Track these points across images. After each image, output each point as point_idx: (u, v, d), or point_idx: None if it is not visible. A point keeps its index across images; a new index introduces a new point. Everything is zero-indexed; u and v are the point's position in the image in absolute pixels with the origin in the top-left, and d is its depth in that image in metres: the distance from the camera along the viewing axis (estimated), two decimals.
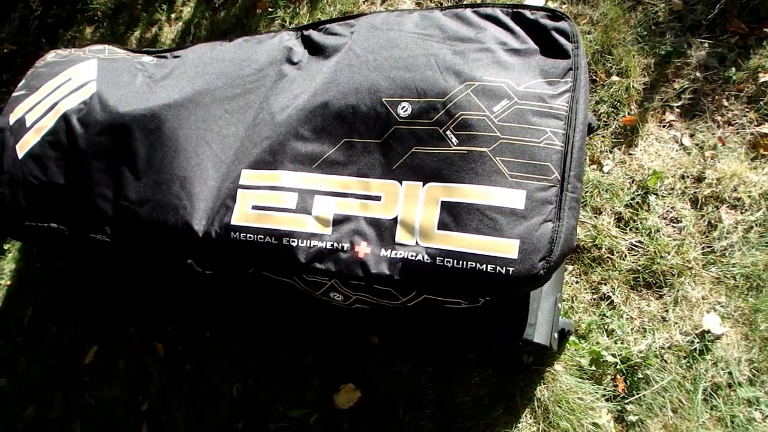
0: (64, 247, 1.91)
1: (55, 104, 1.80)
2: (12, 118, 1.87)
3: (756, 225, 1.45)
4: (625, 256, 1.55)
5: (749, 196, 1.48)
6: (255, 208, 1.38)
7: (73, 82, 1.82)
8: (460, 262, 1.15)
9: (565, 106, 1.19)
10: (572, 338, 1.51)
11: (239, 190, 1.41)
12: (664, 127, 1.65)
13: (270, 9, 2.30)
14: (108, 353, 2.15)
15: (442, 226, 1.19)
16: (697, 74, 1.65)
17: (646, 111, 1.67)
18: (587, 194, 1.63)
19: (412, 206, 1.24)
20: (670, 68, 1.68)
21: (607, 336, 1.49)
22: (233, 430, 1.79)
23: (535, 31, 1.28)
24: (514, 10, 1.32)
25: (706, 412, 1.34)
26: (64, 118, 1.73)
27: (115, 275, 2.11)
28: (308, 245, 1.30)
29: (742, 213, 1.47)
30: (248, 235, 1.35)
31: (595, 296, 1.55)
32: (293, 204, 1.35)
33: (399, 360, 1.65)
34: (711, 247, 1.48)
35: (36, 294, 2.49)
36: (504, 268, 1.11)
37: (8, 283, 2.64)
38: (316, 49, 1.58)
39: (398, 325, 1.65)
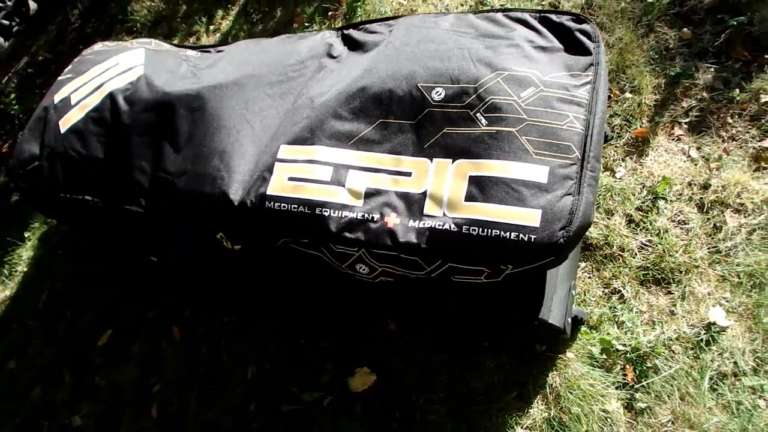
0: (92, 222, 1.98)
1: (102, 84, 1.93)
2: (57, 98, 2.00)
3: (759, 228, 1.54)
4: (635, 254, 1.63)
5: (752, 202, 1.57)
6: (291, 179, 1.47)
7: (120, 66, 1.96)
8: (485, 230, 1.22)
9: (587, 95, 1.30)
10: (584, 328, 1.57)
11: (277, 164, 1.50)
12: (673, 140, 1.76)
13: (306, 24, 2.47)
14: (122, 336, 2.19)
15: (469, 198, 1.28)
16: (704, 94, 1.78)
17: (656, 125, 1.79)
18: (600, 197, 1.73)
19: (441, 181, 1.33)
20: (679, 88, 1.82)
21: (617, 327, 1.56)
22: (246, 411, 1.81)
23: (560, 32, 1.41)
24: (541, 14, 1.46)
25: (713, 399, 1.39)
26: (110, 96, 1.85)
27: (139, 253, 2.17)
28: (339, 215, 1.38)
29: (745, 217, 1.57)
30: (282, 205, 1.44)
31: (606, 290, 1.62)
32: (328, 177, 1.44)
33: (415, 346, 1.70)
34: (716, 247, 1.56)
35: (54, 281, 2.55)
36: (527, 235, 1.19)
37: (25, 269, 2.70)
38: (355, 45, 1.72)
39: (416, 310, 1.71)
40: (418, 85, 1.44)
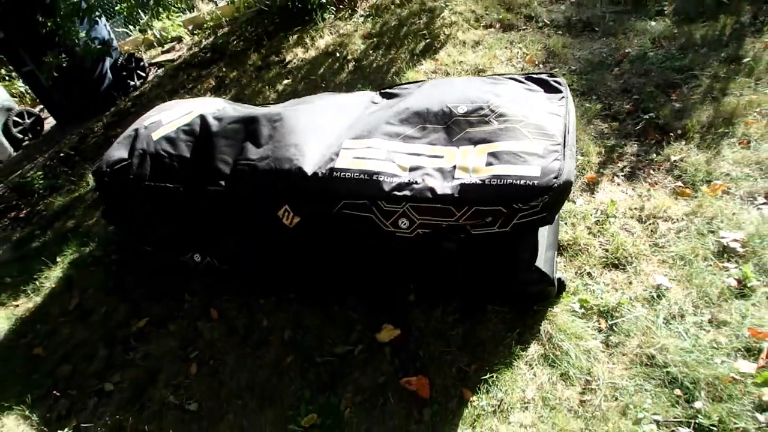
0: (166, 206, 2.38)
1: (191, 111, 2.53)
2: (146, 122, 2.59)
3: (682, 229, 2.16)
4: (597, 249, 2.19)
5: (675, 215, 2.22)
6: (354, 158, 2.03)
7: (205, 103, 2.61)
8: (502, 180, 1.80)
9: (562, 110, 2.00)
10: (564, 294, 2.04)
11: (342, 150, 2.08)
12: (614, 184, 2.46)
13: None
14: (158, 322, 2.43)
15: (488, 164, 1.87)
16: (632, 158, 2.54)
17: (602, 175, 2.50)
18: (566, 215, 2.34)
19: (467, 158, 1.93)
20: (615, 154, 2.58)
21: (590, 294, 2.04)
22: (283, 364, 2.07)
23: (539, 83, 2.18)
24: (526, 75, 2.24)
25: (667, 331, 1.85)
26: (201, 116, 2.45)
27: (184, 250, 2.52)
28: (391, 180, 1.93)
29: (672, 223, 2.20)
30: (347, 173, 1.98)
31: (578, 272, 2.14)
32: (382, 157, 2.01)
33: (431, 310, 2.09)
34: (655, 242, 2.16)
35: (85, 290, 2.81)
36: (531, 181, 1.76)
37: (53, 285, 2.93)
38: (391, 96, 2.43)
39: (432, 279, 2.13)
40: (447, 104, 2.11)
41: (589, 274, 2.12)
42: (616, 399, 1.73)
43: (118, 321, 2.57)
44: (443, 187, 1.87)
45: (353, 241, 2.13)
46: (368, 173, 1.97)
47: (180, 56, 6.56)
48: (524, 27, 3.63)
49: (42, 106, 7.42)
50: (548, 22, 3.61)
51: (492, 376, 1.86)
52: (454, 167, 1.92)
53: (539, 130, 1.94)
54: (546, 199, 1.76)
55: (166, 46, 7.38)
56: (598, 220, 2.30)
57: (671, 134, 2.57)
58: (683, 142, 2.51)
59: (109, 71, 5.97)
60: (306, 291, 2.32)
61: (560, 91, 2.12)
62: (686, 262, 2.05)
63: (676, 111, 2.67)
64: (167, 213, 2.41)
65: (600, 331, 1.93)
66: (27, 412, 2.28)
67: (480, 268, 2.01)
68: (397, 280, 2.21)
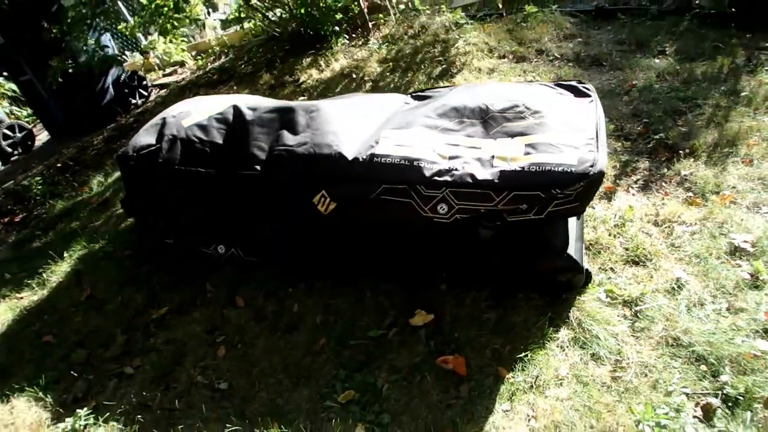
0: (197, 190, 2.42)
1: (223, 102, 2.62)
2: (174, 112, 2.68)
3: (696, 232, 2.31)
4: (617, 248, 2.31)
5: (689, 219, 2.37)
6: (395, 144, 2.13)
7: (236, 96, 2.70)
8: (541, 167, 1.92)
9: (593, 110, 2.16)
10: (590, 285, 2.14)
11: (382, 138, 2.19)
12: (630, 194, 2.62)
13: None
14: (180, 310, 2.42)
15: (527, 154, 2.00)
16: (645, 172, 2.71)
17: (617, 186, 2.66)
18: (587, 220, 2.47)
19: (505, 149, 2.06)
20: (629, 168, 2.75)
21: (614, 286, 2.14)
22: (315, 346, 2.09)
23: (569, 89, 2.34)
24: (556, 82, 2.41)
25: (688, 317, 1.96)
26: (234, 106, 2.54)
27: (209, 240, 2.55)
28: (431, 166, 2.04)
29: (687, 227, 2.34)
30: (388, 159, 2.09)
31: (601, 269, 2.24)
32: (422, 145, 2.12)
33: (463, 297, 2.16)
34: (672, 242, 2.29)
35: (96, 282, 2.79)
36: (569, 168, 1.89)
37: (61, 279, 2.90)
38: (423, 98, 2.57)
39: (465, 267, 2.20)
40: (483, 102, 2.25)
41: (612, 269, 2.23)
42: (646, 375, 1.81)
43: (135, 309, 2.55)
44: (483, 173, 1.98)
45: (388, 228, 2.20)
46: (409, 159, 2.07)
47: (184, 78, 6.67)
48: (536, 59, 3.87)
49: (33, 119, 7.41)
50: (558, 56, 3.86)
51: (526, 356, 1.92)
52: (493, 157, 2.04)
53: (573, 126, 2.08)
54: (581, 186, 1.88)
55: (168, 70, 7.49)
56: (617, 224, 2.43)
57: (680, 152, 2.76)
58: (691, 160, 2.70)
59: (111, 87, 6.02)
60: (339, 276, 2.35)
61: (589, 96, 2.29)
62: (701, 259, 2.18)
63: (683, 133, 2.88)
64: (197, 198, 2.45)
65: (626, 318, 2.02)
66: (40, 394, 2.22)
67: (514, 255, 2.10)
68: (431, 267, 2.26)
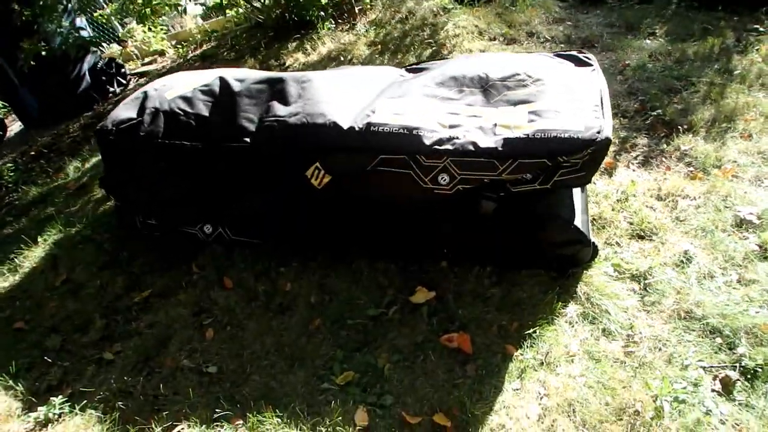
0: (181, 164, 2.28)
1: (209, 74, 2.47)
2: (156, 86, 2.53)
3: (701, 205, 2.24)
4: (621, 222, 2.24)
5: (693, 193, 2.31)
6: (392, 113, 2.02)
7: (223, 69, 2.55)
8: (547, 134, 1.83)
9: (595, 77, 2.08)
10: (596, 260, 2.06)
11: (378, 107, 2.08)
12: (630, 170, 2.55)
13: None
14: (164, 292, 2.28)
15: (531, 121, 1.90)
16: (645, 148, 2.65)
17: (617, 162, 2.59)
18: (590, 196, 2.39)
19: (507, 116, 1.97)
20: (628, 144, 2.69)
21: (621, 260, 2.07)
22: (311, 326, 1.97)
23: (569, 58, 2.26)
24: (555, 53, 2.33)
25: (699, 289, 1.89)
26: (220, 78, 2.41)
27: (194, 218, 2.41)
28: (431, 135, 1.94)
29: (691, 200, 2.28)
30: (386, 128, 1.98)
31: (607, 242, 2.16)
32: (420, 114, 2.01)
33: (466, 274, 2.06)
34: (676, 216, 2.22)
35: (72, 267, 2.63)
36: (576, 135, 1.80)
37: (35, 264, 2.73)
38: (418, 71, 2.45)
39: (468, 241, 2.10)
40: (483, 70, 2.16)
41: (617, 243, 2.16)
42: (660, 350, 1.73)
43: (115, 294, 2.39)
44: (486, 141, 1.88)
45: (385, 202, 2.09)
46: (407, 128, 1.96)
47: (164, 67, 6.46)
48: (526, 41, 3.80)
49: (7, 110, 7.12)
50: (549, 38, 3.79)
51: (534, 332, 1.83)
52: (495, 125, 1.94)
53: (577, 93, 2.00)
54: (588, 154, 1.79)
55: (147, 59, 7.26)
56: (620, 199, 2.36)
57: (678, 128, 2.70)
58: (690, 135, 2.64)
59: (87, 73, 5.76)
60: (334, 251, 2.23)
61: (590, 65, 2.21)
62: (708, 232, 2.12)
63: (680, 110, 2.82)
64: (181, 174, 2.30)
65: (635, 292, 1.95)
66: (10, 382, 2.05)
67: (518, 227, 2.00)
68: (431, 243, 2.15)
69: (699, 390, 1.59)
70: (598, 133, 1.79)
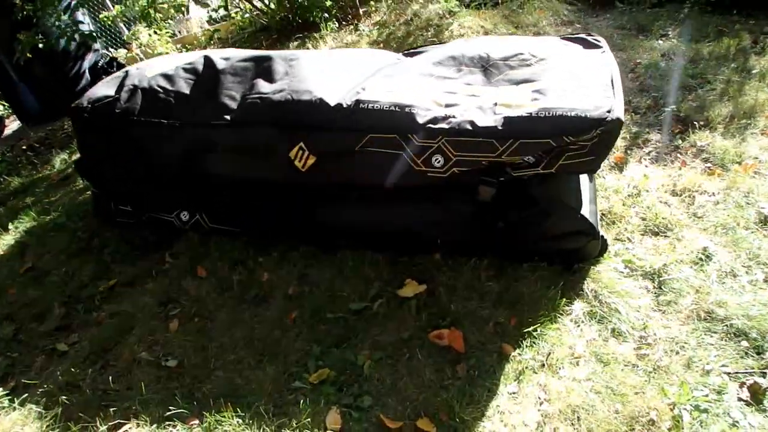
0: (158, 144, 2.11)
1: (196, 54, 2.31)
2: (137, 66, 2.36)
3: (720, 201, 2.05)
4: (633, 218, 2.04)
5: (711, 189, 2.11)
6: (384, 90, 1.86)
7: (210, 51, 2.40)
8: (552, 112, 1.66)
9: (605, 59, 1.90)
10: (605, 256, 1.86)
11: (369, 85, 1.91)
12: (642, 165, 2.36)
13: None
14: (133, 281, 2.09)
15: (533, 99, 1.73)
16: (658, 144, 2.47)
17: (629, 157, 2.40)
18: (599, 190, 2.20)
19: (508, 95, 1.80)
20: (640, 140, 2.50)
21: (632, 256, 1.87)
22: (286, 320, 1.77)
23: (577, 41, 2.09)
24: (563, 36, 2.16)
25: (721, 287, 1.68)
26: (205, 56, 2.25)
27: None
28: (425, 113, 1.76)
29: (709, 196, 2.08)
30: (376, 105, 1.81)
31: (618, 238, 1.97)
32: (415, 91, 1.85)
33: (460, 267, 1.87)
34: (693, 212, 2.03)
35: (41, 255, 2.44)
36: (584, 113, 1.63)
37: (1, 252, 2.54)
38: (414, 54, 2.28)
39: (464, 231, 1.90)
40: (483, 50, 1.99)
41: (628, 239, 1.96)
42: (677, 353, 1.52)
43: (81, 282, 2.20)
44: (485, 120, 1.71)
45: (374, 186, 1.90)
46: (400, 106, 1.78)
47: None
48: None
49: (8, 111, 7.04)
50: None
51: (535, 330, 1.62)
52: (495, 104, 1.77)
53: (585, 73, 1.83)
54: (597, 135, 1.60)
55: None
56: (631, 194, 2.16)
57: (694, 124, 2.51)
58: (707, 131, 2.46)
59: (87, 72, 5.67)
60: (312, 241, 2.05)
61: (600, 47, 2.04)
62: (729, 229, 1.92)
63: (695, 107, 2.64)
64: (158, 154, 2.13)
65: (648, 290, 1.74)
66: None
67: (519, 216, 1.81)
68: (423, 232, 1.96)
69: (723, 398, 1.38)
70: (609, 112, 1.61)
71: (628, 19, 3.98)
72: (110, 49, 7.30)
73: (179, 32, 7.64)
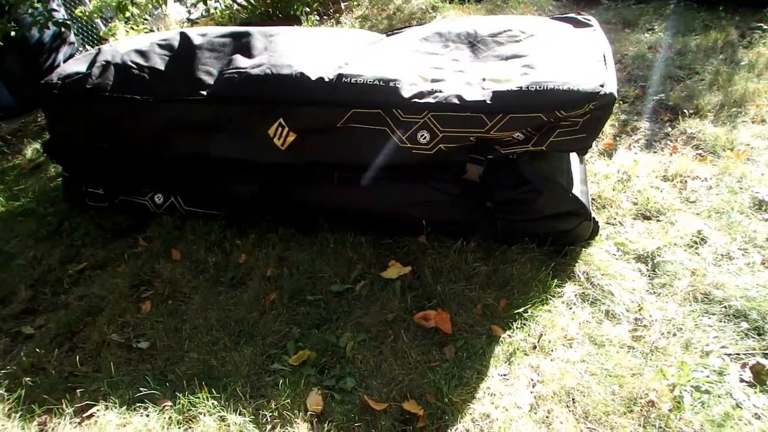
0: (130, 122, 2.00)
1: (170, 32, 2.22)
2: (110, 44, 2.25)
3: (713, 186, 2.01)
4: (624, 202, 1.99)
5: (703, 174, 2.07)
6: (367, 64, 1.78)
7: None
8: (543, 86, 1.60)
9: (596, 37, 1.85)
10: (597, 239, 1.80)
11: (352, 59, 1.83)
12: (631, 152, 2.31)
13: None
14: (104, 265, 1.98)
15: (523, 74, 1.67)
16: (647, 132, 2.43)
17: (618, 144, 2.36)
18: (588, 176, 2.15)
19: (497, 70, 1.74)
20: (628, 127, 2.46)
21: (625, 239, 1.81)
22: (264, 302, 1.67)
23: (567, 20, 2.04)
24: (553, 16, 2.11)
25: (717, 269, 1.63)
26: (181, 32, 2.16)
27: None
28: (411, 88, 1.69)
29: (702, 181, 2.04)
30: (359, 79, 1.73)
31: (609, 222, 1.91)
32: (400, 65, 1.77)
33: (446, 249, 1.79)
34: (686, 197, 1.98)
35: (7, 240, 2.29)
36: (576, 87, 1.57)
37: None
38: (397, 33, 2.20)
39: (451, 210, 1.82)
40: (471, 27, 1.93)
41: (620, 223, 1.90)
42: (675, 335, 1.46)
43: (49, 266, 2.07)
44: (473, 94, 1.64)
45: (356, 165, 1.82)
46: (384, 80, 1.71)
47: None
48: None
49: None
50: None
51: (526, 312, 1.55)
52: (484, 79, 1.70)
53: (577, 49, 1.77)
54: (589, 110, 1.54)
55: None
56: (621, 179, 2.11)
57: (684, 112, 2.48)
58: (697, 119, 2.43)
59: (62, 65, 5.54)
60: (295, 223, 1.96)
61: (591, 25, 1.99)
62: (723, 213, 1.88)
63: (684, 96, 2.62)
64: (130, 132, 2.02)
65: (642, 272, 1.69)
66: None
67: (507, 195, 1.74)
68: (408, 213, 1.88)
69: (725, 379, 1.32)
70: (602, 86, 1.55)
71: (614, 14, 3.97)
72: (86, 45, 7.13)
73: (157, 29, 7.50)
